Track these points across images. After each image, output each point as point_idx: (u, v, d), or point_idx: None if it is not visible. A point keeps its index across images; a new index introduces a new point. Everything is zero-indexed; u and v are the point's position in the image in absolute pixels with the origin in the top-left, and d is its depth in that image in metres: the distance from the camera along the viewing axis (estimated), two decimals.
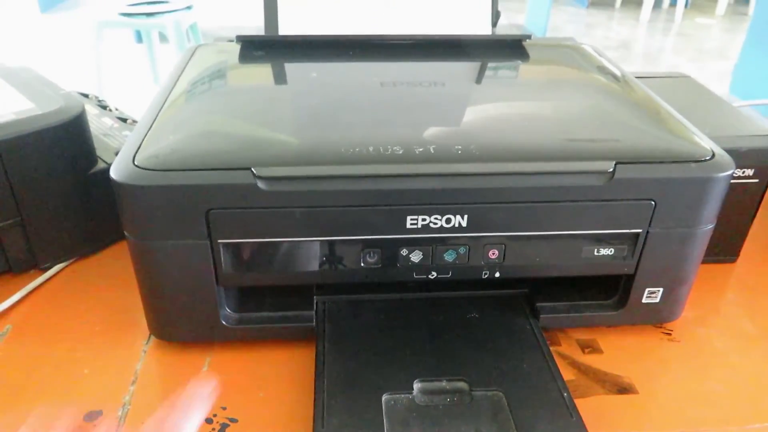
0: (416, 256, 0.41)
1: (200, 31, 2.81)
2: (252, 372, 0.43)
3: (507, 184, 0.39)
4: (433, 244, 0.41)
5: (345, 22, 0.60)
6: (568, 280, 0.47)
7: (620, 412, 0.41)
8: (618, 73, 0.54)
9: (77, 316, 0.48)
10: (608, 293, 0.46)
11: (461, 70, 0.56)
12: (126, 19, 2.62)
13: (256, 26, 0.61)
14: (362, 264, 0.41)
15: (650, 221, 0.41)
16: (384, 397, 0.39)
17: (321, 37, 0.58)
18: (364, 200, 0.38)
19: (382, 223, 0.40)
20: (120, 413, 0.40)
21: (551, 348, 0.44)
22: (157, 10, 2.59)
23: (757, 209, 0.53)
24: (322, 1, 0.60)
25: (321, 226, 0.39)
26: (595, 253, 0.42)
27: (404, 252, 0.41)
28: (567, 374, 0.43)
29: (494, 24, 0.63)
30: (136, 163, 0.38)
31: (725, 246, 0.55)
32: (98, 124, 0.62)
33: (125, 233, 0.40)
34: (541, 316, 0.46)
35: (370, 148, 0.39)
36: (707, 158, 0.40)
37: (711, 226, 0.42)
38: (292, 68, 0.55)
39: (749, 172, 0.50)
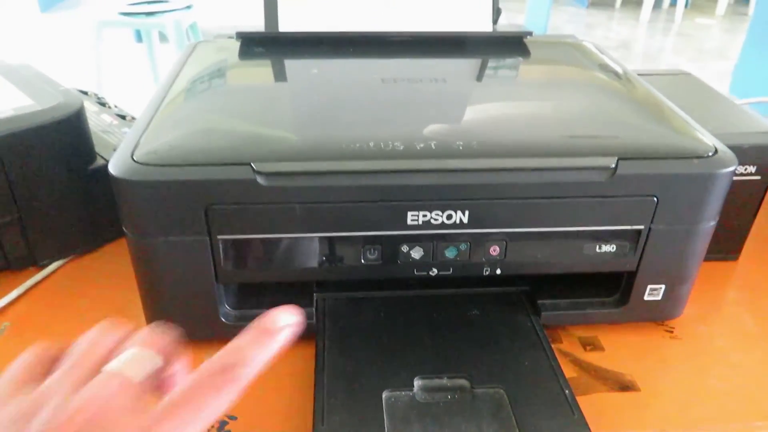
0: (417, 253, 0.41)
1: (200, 30, 2.81)
2: None
3: (508, 180, 0.38)
4: (433, 240, 0.41)
5: (345, 19, 0.59)
6: (569, 277, 0.46)
7: (622, 410, 0.40)
8: (619, 69, 0.54)
9: (76, 314, 0.48)
10: (610, 290, 0.46)
11: (462, 66, 0.56)
12: (126, 18, 2.61)
13: (256, 25, 0.60)
14: (362, 260, 0.41)
15: (652, 217, 0.40)
16: (384, 395, 0.38)
17: (321, 33, 0.58)
18: (365, 196, 0.38)
19: (382, 219, 0.39)
20: None
21: (552, 345, 0.43)
22: (156, 10, 2.59)
23: (759, 207, 0.53)
24: None
25: (321, 222, 0.39)
26: (597, 250, 0.42)
27: (405, 248, 0.41)
28: (568, 372, 0.43)
29: (495, 21, 0.62)
30: (134, 158, 0.38)
31: (727, 244, 0.54)
32: (97, 121, 0.62)
33: (124, 229, 0.40)
34: (543, 313, 0.45)
35: (371, 144, 0.39)
36: (710, 154, 0.40)
37: (713, 223, 0.42)
38: (292, 65, 0.55)
39: (751, 169, 0.50)
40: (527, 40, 0.60)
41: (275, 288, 0.46)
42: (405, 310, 0.46)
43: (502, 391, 0.39)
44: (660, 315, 0.47)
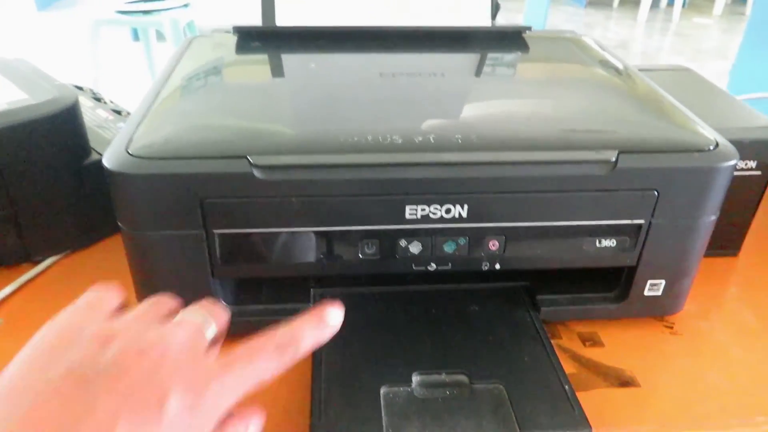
0: (415, 248, 0.41)
1: (197, 28, 2.80)
2: None
3: (508, 174, 0.38)
4: (432, 234, 0.40)
5: (343, 13, 0.59)
6: (569, 272, 0.46)
7: (622, 406, 0.40)
8: (619, 64, 0.54)
9: None
10: (610, 286, 0.46)
11: (461, 61, 0.55)
12: (123, 17, 2.60)
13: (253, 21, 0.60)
14: (360, 255, 0.41)
15: (653, 212, 0.40)
16: (382, 390, 0.38)
17: (319, 28, 0.57)
18: (362, 190, 0.38)
19: (380, 214, 0.39)
20: None
21: (552, 341, 0.43)
22: (154, 8, 2.58)
23: (759, 202, 0.52)
24: None
25: (318, 217, 0.39)
26: (597, 245, 0.42)
27: (403, 243, 0.40)
28: (568, 367, 0.42)
29: (493, 17, 0.62)
30: (129, 151, 0.37)
31: (727, 240, 0.54)
32: (93, 116, 0.61)
33: (119, 224, 0.39)
34: (542, 308, 0.45)
35: (369, 137, 0.39)
36: (711, 148, 0.39)
37: (714, 218, 0.41)
38: (289, 59, 0.55)
39: (752, 164, 0.49)
40: (526, 35, 0.59)
41: (272, 283, 0.46)
42: (403, 305, 0.45)
43: (501, 386, 0.38)
44: (660, 310, 0.46)
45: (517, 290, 0.47)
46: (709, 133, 0.41)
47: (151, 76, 2.90)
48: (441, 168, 0.38)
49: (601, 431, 0.38)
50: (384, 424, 0.36)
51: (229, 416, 0.27)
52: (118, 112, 0.63)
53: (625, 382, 0.42)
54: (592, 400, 0.40)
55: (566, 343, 0.45)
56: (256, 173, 0.36)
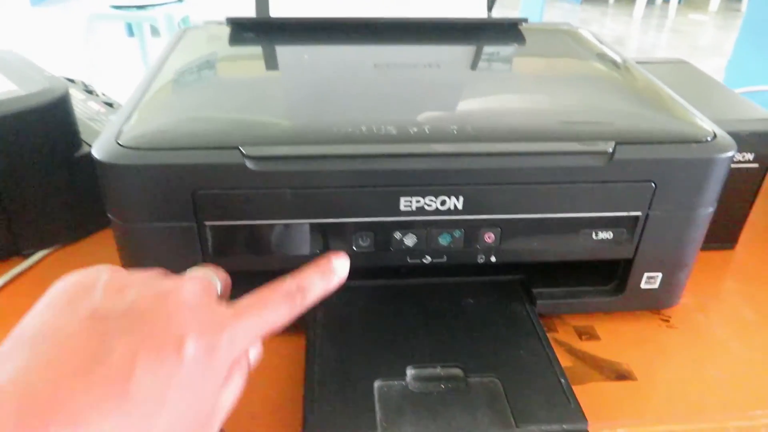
0: (410, 240, 0.40)
1: (192, 24, 2.78)
2: None
3: (504, 165, 0.38)
4: (427, 227, 0.40)
5: (337, 4, 0.58)
6: (565, 265, 0.46)
7: (618, 399, 0.40)
8: (616, 56, 0.53)
9: None
10: (606, 279, 0.45)
11: (457, 52, 0.55)
12: (117, 11, 2.59)
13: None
14: (354, 248, 0.40)
15: (650, 204, 0.40)
16: (376, 384, 0.37)
17: (313, 19, 0.57)
18: (356, 181, 0.37)
19: (374, 205, 0.38)
20: None
21: (548, 334, 0.43)
22: (148, 3, 2.56)
23: (756, 195, 0.52)
24: None
25: (311, 208, 0.38)
26: (594, 237, 0.41)
27: (398, 235, 0.40)
28: (564, 361, 0.42)
29: (490, 8, 0.62)
30: (119, 142, 0.37)
31: (724, 233, 0.54)
32: (84, 108, 0.61)
33: (109, 216, 0.39)
34: (538, 302, 0.45)
35: (363, 128, 0.38)
36: (708, 139, 0.39)
37: (711, 210, 0.41)
38: (283, 50, 0.54)
39: (749, 156, 0.49)
40: (522, 27, 0.59)
41: (265, 276, 0.45)
42: (398, 298, 0.45)
43: (496, 380, 0.38)
44: (657, 304, 0.46)
45: (512, 283, 0.46)
46: (706, 125, 0.41)
47: None
48: (436, 159, 0.37)
49: (597, 425, 0.37)
50: (378, 419, 0.35)
51: (234, 361, 0.28)
52: (110, 105, 0.62)
53: (621, 375, 0.42)
54: (588, 394, 0.39)
55: (562, 336, 0.45)
56: (249, 164, 0.36)
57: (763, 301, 0.49)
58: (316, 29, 0.57)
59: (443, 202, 0.38)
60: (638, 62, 0.56)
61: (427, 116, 0.40)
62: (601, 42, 0.57)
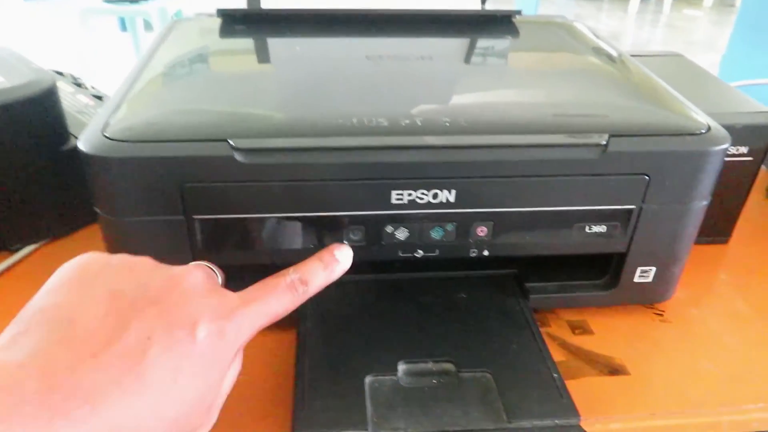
0: (402, 234, 0.40)
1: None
2: None
3: (497, 158, 0.37)
4: (419, 220, 0.39)
5: None
6: (558, 259, 0.45)
7: (611, 394, 0.39)
8: (610, 48, 0.53)
9: None
10: (599, 273, 0.45)
11: (450, 44, 0.54)
12: (110, 6, 2.57)
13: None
14: (345, 242, 0.40)
15: (644, 197, 0.39)
16: (367, 380, 0.37)
17: (304, 10, 0.56)
18: (347, 174, 0.37)
19: (365, 199, 0.38)
20: None
21: (541, 329, 0.42)
22: None
23: (750, 188, 0.52)
24: None
25: (301, 202, 0.38)
26: (587, 231, 0.41)
27: (389, 229, 0.39)
28: (557, 355, 0.42)
29: (483, 0, 0.61)
30: (106, 134, 0.36)
31: (717, 226, 0.54)
32: (73, 101, 0.60)
33: (96, 209, 0.38)
34: (531, 296, 0.44)
35: (354, 120, 0.37)
36: (703, 131, 0.39)
37: (705, 203, 0.41)
38: (274, 42, 0.53)
39: (743, 149, 0.49)
40: (516, 19, 0.58)
41: (255, 270, 0.45)
42: (389, 293, 0.44)
43: (488, 375, 0.37)
44: (650, 298, 0.46)
45: (505, 277, 0.46)
46: (700, 118, 0.40)
47: None
48: (428, 152, 0.37)
49: (590, 419, 0.37)
50: (369, 414, 0.35)
51: (240, 347, 0.29)
52: (99, 98, 0.62)
53: (614, 370, 0.41)
54: (581, 389, 0.39)
55: (555, 330, 0.45)
56: (238, 157, 0.35)
57: (757, 295, 0.49)
58: (307, 21, 0.56)
59: (435, 196, 0.38)
60: (633, 55, 0.56)
61: (419, 108, 0.40)
62: (595, 35, 0.57)
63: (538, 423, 0.35)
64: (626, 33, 4.01)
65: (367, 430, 0.34)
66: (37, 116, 0.48)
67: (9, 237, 0.50)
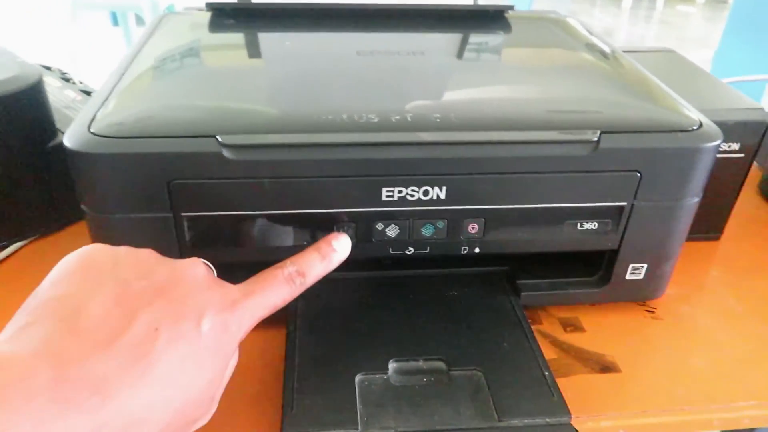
0: (392, 231, 0.39)
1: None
2: None
3: (488, 154, 0.37)
4: (410, 217, 0.39)
5: None
6: (550, 256, 0.45)
7: (603, 391, 0.39)
8: (603, 44, 0.53)
9: None
10: (591, 270, 0.45)
11: (442, 39, 0.54)
12: (101, 0, 2.54)
13: None
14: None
15: (635, 193, 0.39)
16: (358, 378, 0.37)
17: (295, 5, 0.55)
18: (337, 170, 0.36)
19: (355, 195, 0.37)
20: None
21: (532, 326, 0.42)
22: None
23: (742, 185, 0.52)
24: None
25: (291, 199, 0.37)
26: (579, 228, 0.41)
27: (379, 226, 0.39)
28: (548, 353, 0.42)
29: None
30: (91, 130, 0.35)
31: (709, 223, 0.53)
32: (60, 96, 0.59)
33: (82, 206, 0.38)
34: (522, 293, 0.44)
35: (344, 116, 0.37)
36: (694, 128, 0.39)
37: (697, 200, 0.41)
38: (264, 37, 0.53)
39: (735, 146, 0.49)
40: (509, 14, 0.58)
41: (244, 268, 0.44)
42: (380, 290, 0.44)
43: (479, 373, 0.37)
44: (642, 295, 0.46)
45: (497, 275, 0.46)
46: (692, 114, 0.40)
47: None
48: (419, 148, 0.36)
49: (582, 417, 0.37)
50: (359, 413, 0.34)
51: (240, 339, 0.30)
52: (88, 93, 0.61)
53: (605, 367, 0.41)
54: (573, 386, 0.39)
55: (547, 328, 0.44)
56: (226, 153, 0.35)
57: (748, 292, 0.49)
58: (297, 15, 0.55)
59: (426, 192, 0.38)
60: (625, 51, 0.56)
61: (410, 104, 0.39)
62: (588, 31, 0.56)
63: (529, 421, 0.34)
64: (620, 29, 4.01)
65: (357, 429, 0.34)
66: (23, 111, 0.47)
67: None
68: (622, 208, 0.40)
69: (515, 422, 0.34)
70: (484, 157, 0.37)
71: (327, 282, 0.44)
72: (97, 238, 0.39)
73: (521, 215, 0.39)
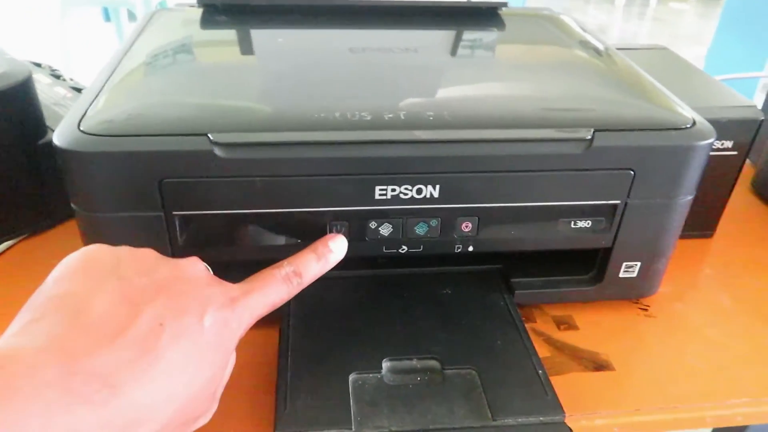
0: (386, 229, 0.39)
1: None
2: None
3: (481, 152, 0.37)
4: (403, 216, 0.39)
5: None
6: (543, 254, 0.45)
7: (597, 390, 0.39)
8: (596, 42, 0.53)
9: (25, 298, 0.45)
10: (584, 268, 0.45)
11: (435, 37, 0.54)
12: None
13: None
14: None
15: (629, 192, 0.39)
16: (351, 377, 0.36)
17: (288, 1, 0.55)
18: (330, 169, 0.36)
19: (349, 194, 0.37)
20: None
21: (526, 325, 0.42)
22: None
23: (735, 183, 0.52)
24: None
25: (283, 197, 0.37)
26: (572, 226, 0.40)
27: (373, 225, 0.39)
28: (542, 351, 0.42)
29: None
30: (81, 128, 0.35)
31: (702, 221, 0.54)
32: (50, 93, 0.58)
33: (72, 205, 0.37)
34: (516, 292, 0.44)
35: (337, 114, 0.37)
36: (688, 126, 0.38)
37: (690, 198, 0.41)
38: (256, 33, 0.52)
39: (728, 144, 0.49)
40: (502, 11, 0.58)
41: (237, 267, 0.44)
42: (373, 289, 0.44)
43: (473, 372, 0.37)
44: (635, 293, 0.46)
45: (490, 273, 0.46)
46: (686, 112, 0.40)
47: None
48: (412, 146, 0.36)
49: (576, 415, 0.37)
50: (352, 412, 0.34)
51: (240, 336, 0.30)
52: (78, 90, 0.60)
53: (599, 365, 0.41)
54: (567, 384, 0.39)
55: (541, 326, 0.44)
56: (217, 151, 0.34)
57: (741, 290, 0.49)
58: (289, 12, 0.55)
59: (419, 191, 0.37)
60: (619, 49, 0.56)
61: (403, 102, 0.39)
62: (582, 28, 0.56)
63: (523, 420, 0.34)
64: (613, 26, 4.02)
65: (350, 428, 0.33)
66: (12, 109, 0.47)
67: None
68: (615, 206, 0.40)
69: (509, 421, 0.34)
70: (477, 156, 0.37)
71: (320, 281, 0.43)
72: (87, 237, 0.38)
73: (515, 214, 0.39)
